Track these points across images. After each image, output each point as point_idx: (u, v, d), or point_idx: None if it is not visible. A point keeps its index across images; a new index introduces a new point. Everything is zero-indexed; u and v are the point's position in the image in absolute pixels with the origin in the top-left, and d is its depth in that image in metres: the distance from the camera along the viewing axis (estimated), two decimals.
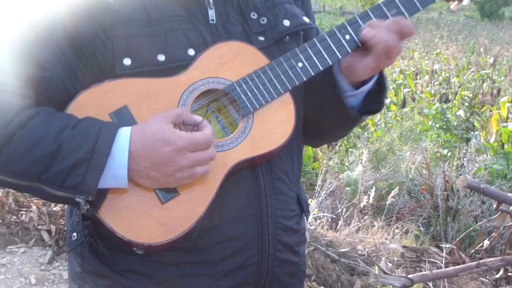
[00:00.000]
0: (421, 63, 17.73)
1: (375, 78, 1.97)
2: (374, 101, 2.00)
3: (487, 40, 28.96)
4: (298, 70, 1.85)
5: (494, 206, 4.97)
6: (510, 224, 5.13)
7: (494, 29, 38.72)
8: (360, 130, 7.90)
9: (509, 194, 4.93)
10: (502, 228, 5.29)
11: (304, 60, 1.86)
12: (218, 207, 1.83)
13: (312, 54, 1.86)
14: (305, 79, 1.86)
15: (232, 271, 1.92)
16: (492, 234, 5.42)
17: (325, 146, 7.99)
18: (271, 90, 1.84)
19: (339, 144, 8.01)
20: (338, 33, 1.88)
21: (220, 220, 1.87)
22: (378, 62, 1.87)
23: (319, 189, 5.74)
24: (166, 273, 1.88)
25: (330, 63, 1.87)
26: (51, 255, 5.40)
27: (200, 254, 1.89)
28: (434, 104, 10.49)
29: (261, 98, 1.83)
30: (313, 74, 1.86)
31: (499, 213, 5.18)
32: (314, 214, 4.91)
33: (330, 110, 2.00)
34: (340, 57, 1.87)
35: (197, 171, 1.73)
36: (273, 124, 1.85)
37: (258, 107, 1.83)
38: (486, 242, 5.29)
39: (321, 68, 1.86)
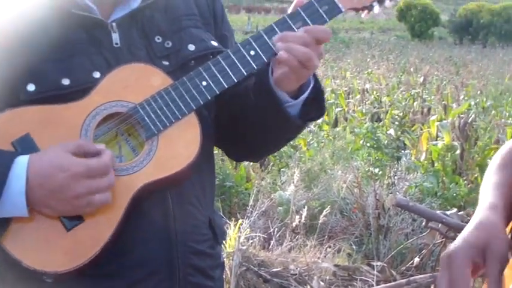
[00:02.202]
0: (353, 83, 17.92)
1: (312, 85, 1.94)
2: (313, 108, 1.97)
3: (418, 59, 29.47)
4: (203, 89, 1.82)
5: (424, 223, 5.04)
6: (439, 241, 5.20)
7: (425, 48, 39.44)
8: (292, 150, 7.94)
9: (438, 212, 5.00)
10: (432, 245, 5.37)
11: (208, 79, 1.83)
12: (126, 231, 1.79)
13: (216, 72, 1.83)
14: (210, 98, 1.83)
15: None
16: (422, 252, 5.50)
17: (258, 165, 8.01)
18: (175, 110, 1.81)
19: (271, 164, 8.03)
20: (243, 50, 1.85)
21: (128, 245, 1.84)
22: (297, 74, 1.84)
23: (251, 209, 5.74)
24: None
25: (235, 80, 1.84)
26: None
27: (109, 280, 1.85)
28: (365, 123, 10.60)
29: (164, 120, 1.80)
30: (218, 92, 1.83)
31: (428, 231, 5.25)
32: (246, 234, 4.89)
33: (273, 123, 1.95)
34: (245, 73, 1.84)
35: (95, 199, 1.70)
36: (178, 145, 1.82)
37: (162, 128, 1.80)
38: (416, 260, 5.36)
39: (226, 86, 1.84)
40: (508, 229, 1.59)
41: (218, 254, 2.12)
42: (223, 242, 2.20)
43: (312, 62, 1.81)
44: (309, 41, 1.81)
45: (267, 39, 1.86)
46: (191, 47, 1.94)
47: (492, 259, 1.47)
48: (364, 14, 1.95)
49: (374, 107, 13.03)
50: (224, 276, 4.50)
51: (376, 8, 1.93)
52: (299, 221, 5.59)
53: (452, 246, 1.51)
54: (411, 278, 4.72)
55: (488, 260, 1.47)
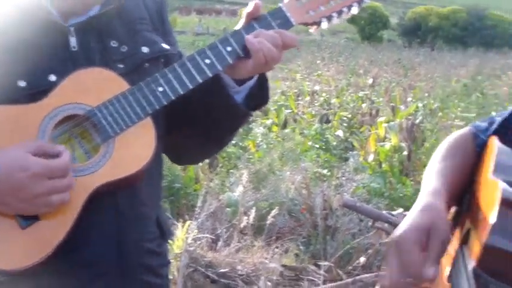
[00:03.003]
0: (303, 85, 18.00)
1: (257, 76, 2.00)
2: (259, 96, 2.03)
3: (367, 62, 29.71)
4: (159, 94, 1.86)
5: (370, 223, 5.10)
6: (386, 240, 5.26)
7: (374, 51, 39.70)
8: (241, 151, 7.95)
9: (384, 212, 5.07)
10: (378, 244, 5.43)
11: (164, 85, 1.86)
12: (79, 231, 1.80)
13: (172, 78, 1.87)
14: (165, 103, 1.87)
15: None
16: (369, 251, 5.55)
17: (207, 167, 8.01)
18: (132, 114, 1.84)
19: (220, 165, 8.03)
20: (198, 58, 1.89)
21: (80, 244, 1.85)
22: (256, 68, 1.91)
23: (199, 211, 5.73)
24: None
25: (191, 86, 1.88)
26: None
27: (60, 279, 1.85)
28: (314, 125, 10.66)
29: (121, 122, 1.83)
30: (173, 98, 1.87)
31: (374, 231, 5.32)
32: (194, 235, 4.90)
33: (218, 107, 1.99)
34: (200, 80, 1.88)
35: (54, 199, 1.71)
36: (134, 148, 1.85)
37: (118, 131, 1.83)
38: (363, 259, 5.41)
39: (181, 92, 1.87)
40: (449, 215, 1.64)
41: (165, 252, 2.16)
42: (169, 241, 2.23)
43: (275, 62, 1.89)
44: (279, 43, 1.87)
45: (222, 49, 1.90)
46: (145, 49, 1.98)
47: (436, 238, 1.53)
48: (313, 30, 2.01)
49: (323, 109, 13.11)
50: (172, 277, 4.51)
51: (324, 24, 2.00)
52: (247, 222, 5.60)
53: (399, 230, 1.56)
54: (357, 277, 4.77)
55: (432, 239, 1.53)
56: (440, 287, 1.59)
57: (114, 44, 1.94)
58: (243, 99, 2.01)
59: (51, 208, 1.73)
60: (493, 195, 1.47)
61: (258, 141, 8.96)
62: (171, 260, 4.41)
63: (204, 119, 2.06)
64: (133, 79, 1.90)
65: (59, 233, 1.76)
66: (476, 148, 1.83)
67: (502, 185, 1.48)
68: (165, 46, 2.04)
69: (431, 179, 1.75)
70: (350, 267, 5.61)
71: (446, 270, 1.63)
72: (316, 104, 13.78)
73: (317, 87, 16.97)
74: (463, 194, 1.80)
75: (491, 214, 1.44)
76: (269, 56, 1.86)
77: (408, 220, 1.59)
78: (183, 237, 4.75)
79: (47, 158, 1.72)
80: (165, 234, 2.12)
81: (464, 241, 1.64)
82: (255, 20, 1.93)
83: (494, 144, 1.71)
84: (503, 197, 1.44)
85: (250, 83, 2.00)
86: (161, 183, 2.20)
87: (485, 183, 1.64)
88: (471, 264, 1.47)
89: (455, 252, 1.66)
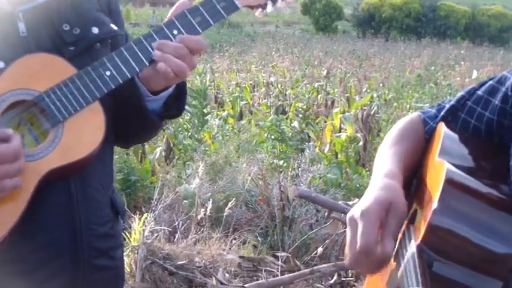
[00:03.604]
0: (258, 76, 18.02)
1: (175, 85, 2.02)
2: (175, 106, 2.05)
3: (322, 53, 29.86)
4: (107, 78, 1.86)
5: (326, 214, 5.12)
6: (342, 230, 5.30)
7: (328, 42, 39.95)
8: (196, 143, 7.94)
9: (340, 202, 5.10)
10: (334, 235, 5.46)
11: (112, 69, 1.87)
12: (30, 216, 1.81)
13: (119, 62, 1.87)
14: (113, 87, 1.87)
15: (47, 279, 1.92)
16: (326, 242, 5.58)
17: (163, 159, 7.99)
18: (80, 98, 1.84)
19: (176, 157, 8.02)
20: (144, 41, 1.90)
21: (32, 229, 1.86)
22: (167, 80, 1.92)
23: (156, 203, 5.72)
24: None
25: (138, 70, 1.89)
26: None
27: (13, 264, 1.87)
28: (270, 116, 10.68)
29: (69, 107, 1.83)
30: (121, 81, 1.88)
31: (331, 221, 5.35)
32: (151, 228, 4.87)
33: (132, 113, 2.01)
34: (147, 64, 1.89)
35: (6, 184, 1.70)
36: (83, 132, 1.85)
37: (67, 115, 1.83)
38: (320, 249, 5.44)
39: (129, 76, 1.88)
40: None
41: (119, 233, 2.18)
42: (123, 221, 2.24)
43: (184, 74, 1.90)
44: (184, 53, 1.88)
45: (168, 33, 1.91)
46: (95, 30, 1.98)
47: (394, 215, 1.57)
48: (257, 12, 2.02)
49: (279, 100, 13.13)
50: (129, 269, 4.50)
51: (269, 7, 2.02)
52: (204, 214, 5.59)
53: (361, 205, 1.58)
54: (315, 268, 4.80)
55: (390, 216, 1.56)
56: (387, 265, 1.61)
57: (66, 27, 1.93)
58: (160, 107, 2.03)
59: (3, 193, 1.73)
60: (439, 176, 1.53)
61: (213, 133, 8.95)
62: (128, 253, 4.43)
63: (122, 122, 2.06)
64: (85, 60, 1.90)
65: (11, 218, 1.76)
66: (425, 135, 1.88)
67: (447, 165, 1.55)
68: (114, 27, 2.05)
69: (385, 162, 1.79)
70: (307, 258, 5.63)
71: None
72: (271, 96, 13.79)
73: (272, 79, 16.98)
74: (411, 178, 1.85)
75: (436, 193, 1.49)
76: (176, 69, 1.87)
77: (370, 196, 1.62)
78: (140, 229, 4.73)
79: None
80: (118, 215, 2.14)
81: (411, 221, 1.69)
82: (201, 3, 1.94)
83: (442, 129, 1.78)
84: (448, 177, 1.51)
85: (166, 93, 2.01)
86: (112, 166, 2.20)
87: (431, 165, 1.70)
88: (416, 242, 1.52)
89: (402, 232, 1.69)
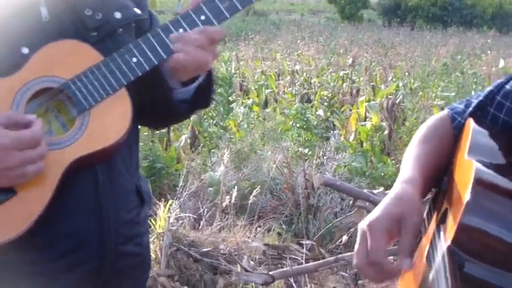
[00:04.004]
0: (283, 64, 17.98)
1: (204, 76, 2.01)
2: (204, 96, 2.06)
3: (347, 41, 29.72)
4: (133, 65, 1.84)
5: (351, 202, 5.11)
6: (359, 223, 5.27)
7: (354, 30, 39.76)
8: (222, 131, 7.95)
9: (365, 190, 5.08)
10: (359, 223, 5.44)
11: (138, 55, 1.85)
12: (57, 204, 1.81)
13: (145, 48, 1.85)
14: (140, 74, 1.86)
15: (73, 266, 1.92)
16: (350, 230, 5.58)
17: (188, 147, 8.01)
18: (106, 86, 1.83)
19: (201, 145, 8.03)
20: (172, 27, 1.88)
21: (59, 216, 1.86)
22: (191, 73, 1.93)
23: (181, 190, 5.73)
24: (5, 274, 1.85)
25: (165, 57, 1.87)
26: None
27: (40, 251, 1.88)
28: (295, 104, 10.66)
29: (96, 94, 1.82)
30: (148, 68, 1.86)
31: (356, 209, 5.34)
32: (176, 215, 4.89)
33: (161, 104, 2.02)
34: (174, 50, 1.87)
35: (28, 170, 1.70)
36: (110, 120, 1.84)
37: (93, 103, 1.82)
38: (345, 238, 5.43)
39: (156, 63, 1.86)
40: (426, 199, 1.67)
41: (145, 219, 2.17)
42: (149, 208, 2.24)
43: (207, 65, 1.90)
44: (205, 43, 1.86)
45: (195, 18, 1.88)
46: (118, 15, 1.96)
47: (406, 231, 1.56)
48: None
49: (304, 88, 13.09)
50: (154, 256, 4.52)
51: None
52: (229, 201, 5.60)
53: (370, 216, 1.58)
54: (339, 256, 4.78)
55: (402, 232, 1.56)
56: (420, 266, 1.61)
57: (88, 12, 1.91)
58: (190, 95, 2.03)
59: (26, 179, 1.73)
60: (468, 175, 1.50)
61: (239, 121, 8.95)
62: (154, 240, 4.45)
63: (149, 111, 2.05)
64: (108, 46, 1.89)
65: (37, 207, 1.76)
66: (454, 130, 1.86)
67: (476, 165, 1.51)
68: (137, 11, 2.03)
69: (408, 166, 1.78)
70: (332, 246, 5.63)
71: (426, 249, 1.65)
72: (296, 84, 13.76)
73: (297, 67, 16.95)
74: (441, 176, 1.82)
75: (465, 193, 1.46)
76: (200, 62, 1.88)
77: (381, 207, 1.62)
78: (165, 216, 4.75)
79: (18, 128, 1.71)
80: (144, 201, 2.14)
81: (442, 221, 1.66)
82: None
83: (470, 125, 1.74)
84: (477, 176, 1.48)
85: (195, 84, 2.01)
86: (138, 153, 2.20)
87: (461, 163, 1.67)
88: (446, 242, 1.49)
89: (432, 232, 1.68)
